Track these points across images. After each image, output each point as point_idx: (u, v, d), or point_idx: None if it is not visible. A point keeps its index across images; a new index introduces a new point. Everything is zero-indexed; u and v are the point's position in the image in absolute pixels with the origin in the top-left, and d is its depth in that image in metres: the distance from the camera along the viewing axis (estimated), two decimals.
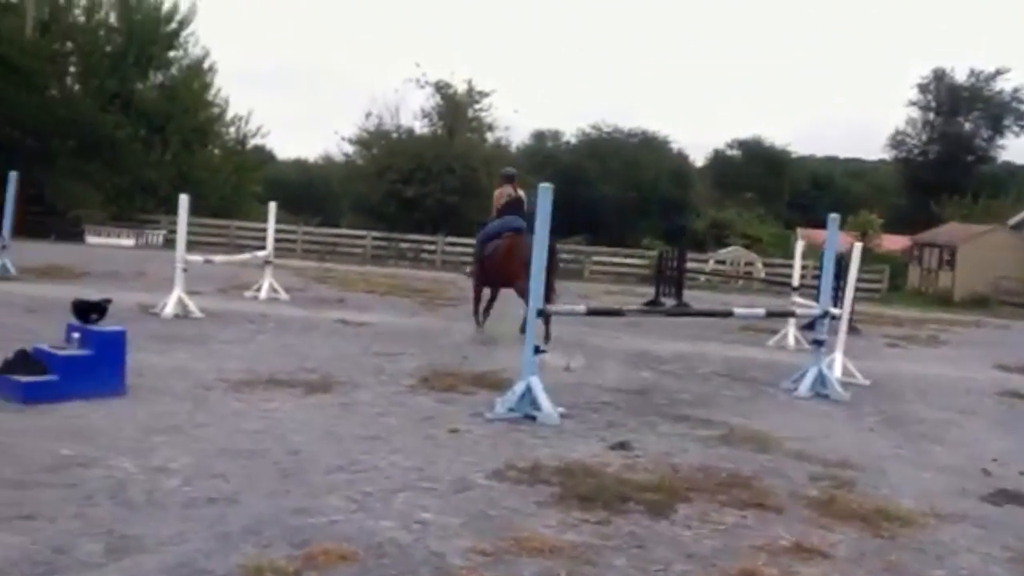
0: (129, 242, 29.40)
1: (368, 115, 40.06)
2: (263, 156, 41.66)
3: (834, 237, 10.05)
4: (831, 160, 70.16)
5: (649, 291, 21.31)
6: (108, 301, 7.66)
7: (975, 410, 9.62)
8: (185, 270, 12.33)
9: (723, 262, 34.44)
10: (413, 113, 41.00)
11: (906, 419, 8.68)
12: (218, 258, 15.60)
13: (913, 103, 57.52)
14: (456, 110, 40.13)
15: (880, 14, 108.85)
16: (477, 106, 40.76)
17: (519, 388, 7.28)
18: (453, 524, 4.68)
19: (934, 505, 5.65)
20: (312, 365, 8.95)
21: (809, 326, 12.37)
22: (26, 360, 6.89)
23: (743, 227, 43.31)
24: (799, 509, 5.36)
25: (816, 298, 10.48)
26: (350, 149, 41.73)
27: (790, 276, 16.79)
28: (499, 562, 4.22)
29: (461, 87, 40.22)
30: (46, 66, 31.05)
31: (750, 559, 4.47)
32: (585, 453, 6.25)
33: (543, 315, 8.38)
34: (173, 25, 34.31)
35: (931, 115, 57.33)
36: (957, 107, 56.41)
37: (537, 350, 7.39)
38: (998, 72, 54.76)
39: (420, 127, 40.76)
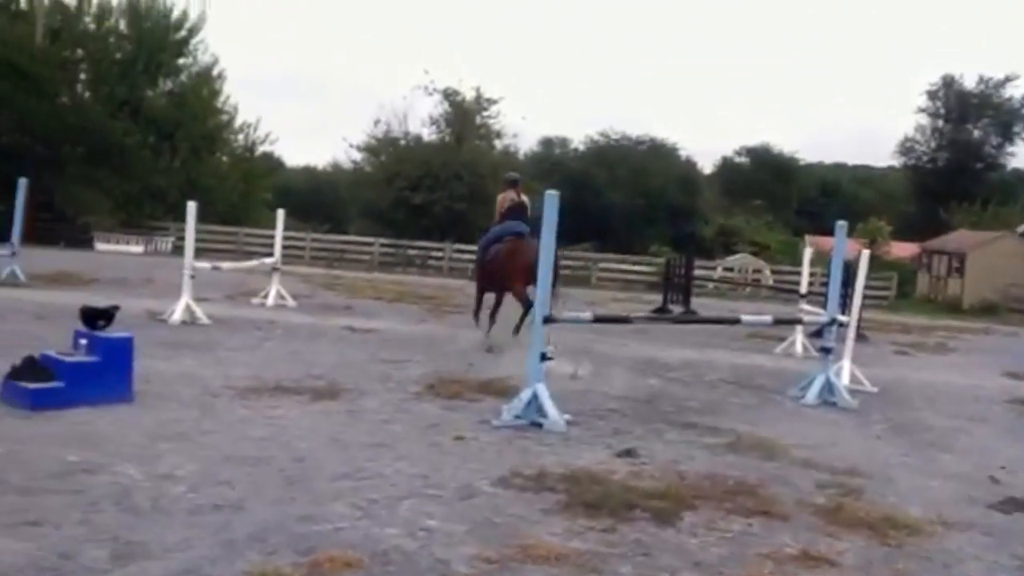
0: (138, 249, 29.50)
1: (376, 122, 40.20)
2: (272, 163, 41.75)
3: (841, 244, 10.02)
4: (839, 167, 70.05)
5: (657, 298, 21.31)
6: (115, 308, 7.67)
7: (983, 418, 9.58)
8: (193, 277, 12.36)
9: (731, 269, 34.39)
10: (421, 120, 41.12)
11: (914, 427, 8.65)
12: (226, 265, 15.65)
13: (922, 110, 57.52)
14: (464, 117, 40.19)
15: (888, 21, 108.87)
16: (485, 113, 40.83)
17: (525, 395, 7.27)
18: (458, 531, 4.68)
19: (942, 513, 5.62)
20: (319, 372, 8.96)
21: (817, 333, 12.33)
22: (33, 366, 6.90)
23: (751, 234, 43.28)
24: (806, 517, 5.34)
25: (824, 305, 10.45)
26: (358, 156, 41.86)
27: (798, 283, 16.75)
28: (504, 570, 4.22)
29: (469, 94, 40.34)
30: (56, 73, 31.20)
31: (756, 567, 4.46)
32: (591, 460, 6.24)
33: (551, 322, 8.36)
34: (182, 33, 34.46)
35: (940, 122, 57.24)
36: (966, 114, 56.31)
37: (543, 357, 7.38)
38: (1007, 79, 54.72)
39: (428, 134, 40.88)
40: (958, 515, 5.64)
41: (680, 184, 58.96)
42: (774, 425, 8.03)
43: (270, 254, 15.91)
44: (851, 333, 11.00)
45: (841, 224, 9.86)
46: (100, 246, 29.30)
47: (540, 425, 7.12)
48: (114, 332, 7.39)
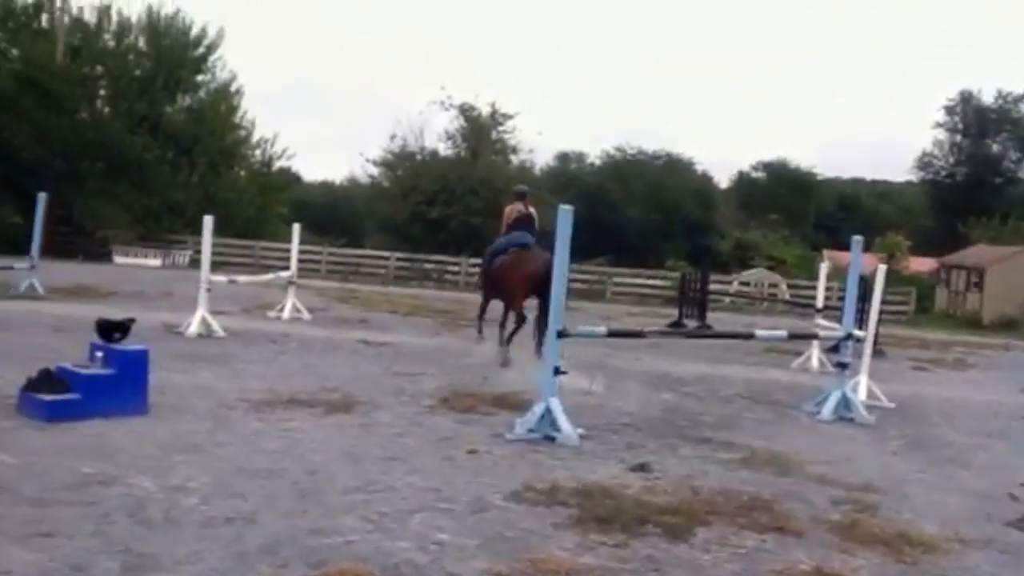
0: (156, 262, 29.69)
1: (393, 137, 40.37)
2: (289, 178, 41.97)
3: (857, 259, 9.97)
4: (857, 182, 69.77)
5: (672, 312, 21.24)
6: (131, 320, 7.71)
7: (1003, 434, 9.49)
8: (209, 290, 12.43)
9: (747, 284, 34.26)
10: (437, 135, 41.26)
11: (931, 443, 8.58)
12: (242, 278, 15.74)
13: (940, 125, 57.30)
14: (480, 132, 40.32)
15: (906, 35, 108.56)
16: (501, 128, 40.96)
17: (539, 409, 7.26)
18: (469, 545, 4.66)
19: (959, 530, 5.56)
20: (333, 385, 8.98)
21: (834, 348, 12.27)
22: (49, 378, 6.95)
23: (768, 249, 43.10)
24: (820, 533, 5.29)
25: (840, 320, 10.40)
26: (375, 171, 42.02)
27: (815, 298, 16.67)
28: None
29: (485, 109, 40.47)
30: (76, 90, 31.58)
31: None
32: (604, 475, 6.22)
33: (553, 334, 8.37)
34: (201, 49, 34.80)
35: (958, 137, 57.00)
36: (984, 129, 56.06)
37: (557, 371, 7.37)
38: None
39: (444, 149, 41.02)
40: (975, 532, 5.58)
41: (696, 198, 58.90)
42: (789, 440, 7.98)
43: (286, 268, 15.97)
44: (868, 348, 10.93)
45: (857, 239, 9.82)
46: (118, 259, 29.52)
47: (553, 439, 7.10)
48: (130, 345, 7.43)
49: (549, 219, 7.60)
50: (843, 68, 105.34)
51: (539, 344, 11.26)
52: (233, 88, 35.94)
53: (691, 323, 19.30)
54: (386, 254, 33.95)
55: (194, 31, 34.57)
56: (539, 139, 76.52)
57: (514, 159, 41.59)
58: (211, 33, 34.84)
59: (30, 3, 32.70)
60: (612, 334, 9.76)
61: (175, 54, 33.91)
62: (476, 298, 12.98)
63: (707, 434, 8.00)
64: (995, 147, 56.76)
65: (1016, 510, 6.20)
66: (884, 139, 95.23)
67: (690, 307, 20.37)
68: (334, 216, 52.47)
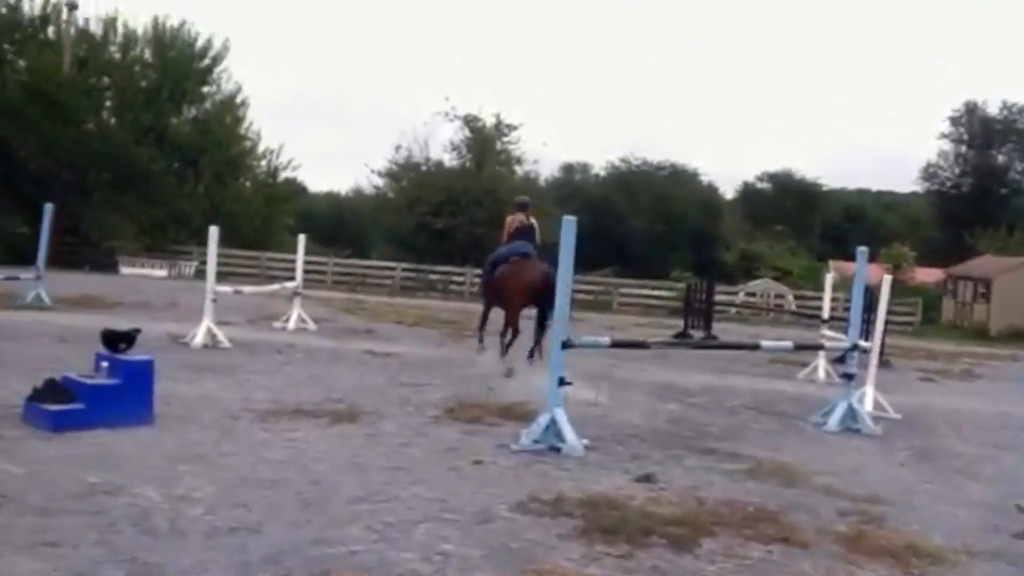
0: (162, 273, 29.76)
1: (398, 148, 40.47)
2: (295, 189, 42.11)
3: (863, 269, 9.95)
4: (863, 192, 69.80)
5: (678, 323, 21.21)
6: (137, 331, 7.73)
7: (1011, 445, 9.44)
8: (215, 300, 12.44)
9: (753, 294, 34.23)
10: (442, 146, 41.36)
11: (939, 454, 8.54)
12: (247, 289, 15.75)
13: (945, 136, 57.34)
14: (485, 143, 40.39)
15: (912, 46, 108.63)
16: (505, 139, 41.03)
17: (544, 420, 7.24)
18: (474, 556, 4.64)
19: (966, 542, 5.53)
20: (338, 395, 8.97)
21: (840, 359, 12.24)
22: (55, 389, 6.96)
23: (774, 259, 43.13)
24: (827, 544, 5.26)
25: (846, 331, 10.37)
26: (380, 182, 42.13)
27: (821, 309, 16.63)
28: None
29: (489, 120, 40.55)
30: (83, 101, 31.73)
31: None
32: (609, 486, 6.19)
33: (557, 345, 8.40)
34: (206, 61, 34.98)
35: (963, 148, 57.00)
36: (990, 140, 56.08)
37: (562, 382, 7.35)
38: None
39: (449, 160, 41.12)
40: (983, 544, 5.54)
41: (702, 209, 58.97)
42: (795, 451, 7.95)
43: (292, 278, 16.00)
44: (874, 359, 10.90)
45: (862, 249, 9.79)
46: (125, 270, 29.60)
47: (558, 450, 7.08)
48: (135, 355, 7.44)
49: (553, 230, 7.60)
50: (848, 78, 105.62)
51: (531, 352, 11.57)
52: (239, 99, 36.17)
53: (697, 334, 19.27)
54: (392, 265, 34.01)
55: (200, 43, 34.80)
56: (544, 150, 76.66)
57: (519, 170, 41.67)
58: (216, 45, 35.09)
59: (37, 15, 32.93)
60: (616, 345, 9.74)
61: (181, 66, 34.08)
62: (482, 308, 13.01)
63: (712, 445, 7.97)
64: (1000, 158, 56.78)
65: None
66: (889, 150, 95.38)
67: (696, 318, 20.34)
68: (340, 227, 52.63)
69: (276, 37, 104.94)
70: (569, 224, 7.44)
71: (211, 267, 12.84)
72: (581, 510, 5.49)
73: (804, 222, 58.04)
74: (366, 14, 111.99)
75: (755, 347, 11.16)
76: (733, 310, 28.76)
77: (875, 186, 72.00)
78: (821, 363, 13.67)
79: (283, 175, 37.67)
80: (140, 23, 34.41)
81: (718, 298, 23.76)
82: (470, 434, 7.64)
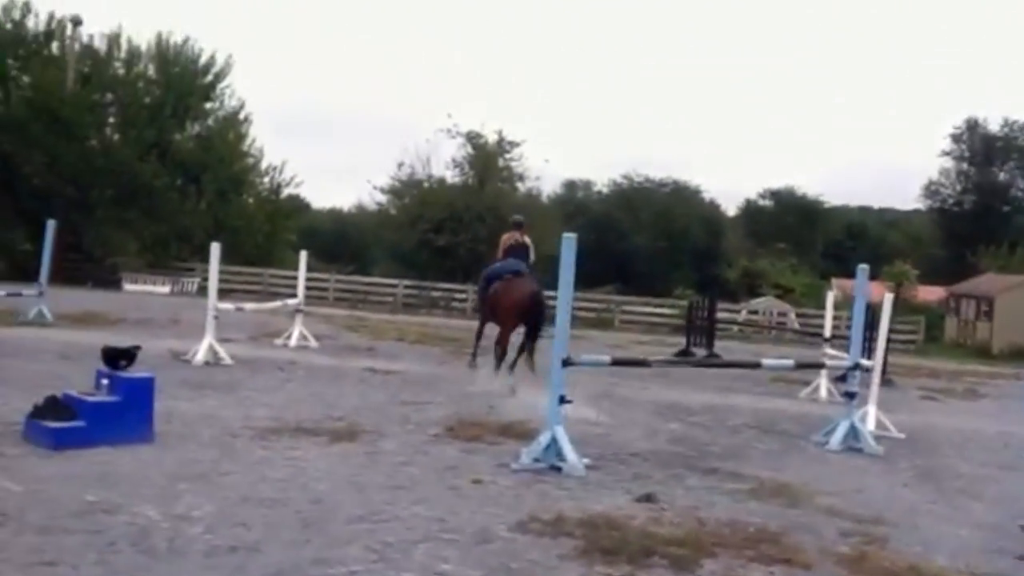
0: (164, 290, 29.76)
1: (400, 165, 40.49)
2: (298, 205, 42.15)
3: (863, 287, 9.94)
4: (865, 210, 69.86)
5: (681, 341, 21.17)
6: (137, 348, 7.72)
7: (1014, 465, 9.41)
8: (216, 317, 12.45)
9: (755, 312, 34.20)
10: (445, 163, 41.33)
11: (942, 474, 8.50)
12: (249, 306, 15.75)
13: (946, 153, 57.39)
14: (487, 160, 40.43)
15: (913, 63, 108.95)
16: (508, 156, 41.06)
17: (544, 438, 7.22)
18: None
19: (970, 563, 5.50)
20: (339, 413, 8.96)
21: (842, 378, 12.22)
22: (55, 406, 6.95)
23: (776, 277, 43.12)
24: (829, 566, 5.24)
25: (848, 349, 10.35)
26: (383, 198, 42.15)
27: (823, 327, 16.61)
28: None
29: (492, 137, 40.61)
30: (86, 117, 31.83)
31: None
32: (610, 505, 6.17)
33: (558, 363, 8.42)
34: (210, 77, 35.05)
35: (965, 165, 57.08)
36: (991, 157, 56.14)
37: (562, 400, 7.34)
38: None
39: (451, 176, 41.11)
40: (986, 566, 5.52)
41: (704, 227, 59.05)
42: (797, 471, 7.92)
43: (295, 295, 16.01)
44: (875, 378, 10.88)
45: (863, 267, 9.79)
46: (127, 287, 29.59)
47: (559, 469, 7.06)
48: (136, 372, 7.43)
49: (555, 247, 7.60)
50: (850, 96, 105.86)
51: (513, 363, 11.84)
52: (242, 116, 36.20)
53: (699, 352, 19.23)
54: (394, 282, 34.01)
55: (203, 59, 34.86)
56: (546, 167, 76.68)
57: (521, 187, 41.68)
58: (220, 61, 35.15)
59: (41, 31, 33.07)
60: (617, 363, 9.73)
61: (184, 82, 34.18)
62: (490, 328, 13.06)
63: (714, 464, 7.94)
64: (1002, 175, 56.80)
65: None
66: (891, 167, 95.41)
67: (698, 336, 20.31)
68: (343, 243, 52.73)
69: (279, 54, 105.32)
70: (569, 241, 7.44)
71: (213, 284, 12.85)
72: (581, 530, 5.47)
73: (806, 239, 58.10)
74: (369, 31, 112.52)
75: (756, 365, 11.16)
76: (735, 328, 28.73)
77: (877, 203, 72.17)
78: (823, 382, 13.63)
79: (286, 191, 37.75)
80: (144, 39, 34.48)
81: (720, 316, 23.74)
82: (470, 452, 7.62)
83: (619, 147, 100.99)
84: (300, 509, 5.59)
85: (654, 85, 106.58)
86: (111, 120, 34.11)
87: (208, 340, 12.17)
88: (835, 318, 15.36)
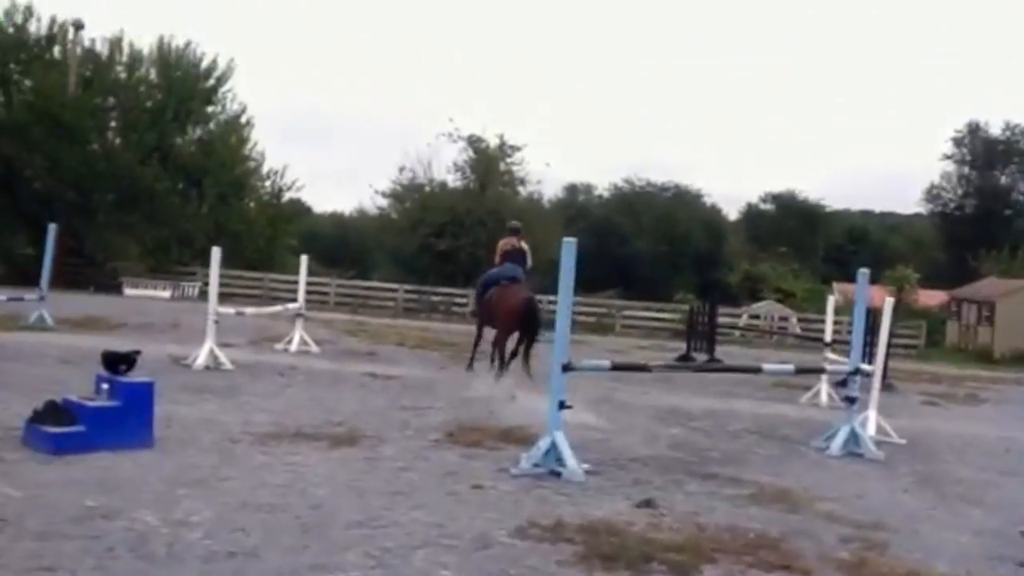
0: (165, 294, 29.76)
1: (402, 169, 40.48)
2: (299, 209, 42.14)
3: (864, 291, 9.93)
4: (866, 214, 69.80)
5: (682, 346, 21.16)
6: (137, 353, 7.73)
7: (1015, 471, 9.39)
8: (217, 322, 12.45)
9: (757, 317, 34.16)
10: (446, 167, 41.32)
11: (942, 479, 8.49)
12: (249, 310, 15.74)
13: (948, 156, 57.33)
14: (488, 164, 40.43)
15: (914, 67, 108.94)
16: (509, 160, 41.06)
17: (544, 443, 7.22)
18: None
19: (970, 570, 5.50)
20: (339, 418, 8.95)
21: (843, 383, 12.21)
22: (55, 411, 6.95)
23: (777, 281, 43.04)
24: (829, 572, 5.23)
25: (849, 354, 10.34)
26: (384, 202, 42.14)
27: (824, 331, 16.59)
28: None
29: (493, 141, 40.61)
30: (88, 121, 31.82)
31: None
32: (609, 511, 6.16)
33: (558, 368, 8.43)
34: (211, 81, 35.05)
35: (966, 169, 57.04)
36: (993, 160, 56.09)
37: (562, 405, 7.33)
38: None
39: (453, 181, 41.09)
40: (986, 572, 5.52)
41: (705, 231, 59.01)
42: (798, 477, 7.91)
43: (295, 299, 16.01)
44: (876, 383, 10.86)
45: (863, 271, 9.78)
46: (128, 291, 29.59)
47: (559, 474, 7.05)
48: (136, 377, 7.43)
49: (556, 251, 7.61)
50: (851, 99, 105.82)
51: (501, 366, 12.11)
52: (243, 119, 36.21)
53: (700, 356, 19.22)
54: (395, 286, 33.98)
55: (205, 63, 34.84)
56: (547, 170, 76.63)
57: (522, 191, 41.66)
58: (221, 64, 35.13)
59: (43, 35, 33.10)
60: (617, 367, 9.73)
61: (186, 85, 34.19)
62: (488, 332, 13.12)
63: (714, 470, 7.94)
64: (1004, 179, 56.76)
65: None
66: (893, 170, 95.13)
67: (699, 340, 20.29)
68: (344, 247, 52.69)
69: (281, 58, 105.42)
70: (569, 246, 7.44)
71: (213, 288, 12.86)
72: (581, 536, 5.46)
73: (807, 243, 58.06)
74: (370, 35, 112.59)
75: (756, 370, 11.14)
76: (737, 333, 28.71)
77: (878, 207, 72.06)
78: (824, 387, 13.62)
79: (287, 195, 37.75)
80: (146, 43, 34.47)
81: (721, 320, 23.73)
82: (470, 458, 7.62)
83: (620, 151, 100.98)
84: (299, 514, 5.59)
85: (656, 89, 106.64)
86: (112, 124, 34.11)
87: (208, 345, 12.18)
88: (836, 323, 15.35)
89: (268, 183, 37.09)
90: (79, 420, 6.88)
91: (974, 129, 56.30)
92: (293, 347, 15.00)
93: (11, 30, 32.50)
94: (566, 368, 7.36)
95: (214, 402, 9.42)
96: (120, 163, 31.56)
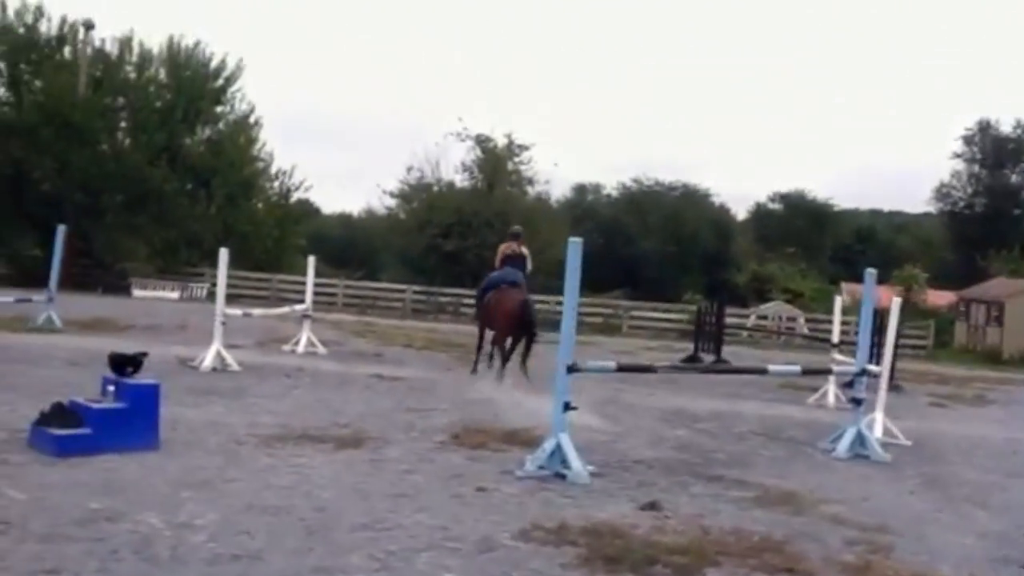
0: (174, 295, 29.82)
1: (410, 169, 40.48)
2: (307, 210, 42.19)
3: (871, 292, 9.90)
4: (875, 213, 69.57)
5: (689, 347, 21.11)
6: (143, 354, 7.75)
7: (1020, 473, 9.36)
8: (224, 323, 12.47)
9: (765, 317, 34.08)
10: (454, 167, 41.32)
11: (949, 481, 8.46)
12: (256, 311, 15.76)
13: (958, 155, 57.03)
14: (496, 164, 40.42)
15: (924, 65, 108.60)
16: (517, 159, 41.04)
17: (549, 445, 7.22)
18: None
19: (975, 572, 5.49)
20: (345, 420, 8.97)
21: (850, 384, 12.17)
22: (61, 413, 6.97)
23: (785, 281, 42.92)
24: (833, 575, 5.22)
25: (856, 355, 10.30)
26: (392, 203, 42.15)
27: (831, 332, 16.53)
28: None
29: (501, 141, 40.59)
30: (97, 121, 31.89)
31: None
32: (614, 513, 6.16)
33: (563, 369, 8.44)
34: (220, 81, 35.10)
35: (976, 167, 56.74)
36: (1003, 159, 55.80)
37: (567, 407, 7.33)
38: None
39: (460, 181, 41.09)
40: (991, 575, 5.48)
41: (713, 231, 58.87)
42: (803, 479, 7.89)
43: (303, 301, 16.03)
44: (883, 384, 10.83)
45: (871, 271, 9.76)
46: (137, 292, 29.67)
47: (564, 476, 7.05)
48: (142, 379, 7.46)
49: (563, 252, 7.60)
50: (860, 98, 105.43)
51: (495, 365, 12.40)
52: (252, 120, 36.26)
53: (708, 357, 19.17)
54: (402, 287, 33.97)
55: (214, 63, 34.89)
56: (555, 170, 76.60)
57: (530, 190, 41.65)
58: (231, 64, 35.18)
59: (53, 35, 33.20)
60: (623, 369, 9.72)
61: (195, 85, 34.24)
62: (489, 333, 13.19)
63: (720, 472, 7.92)
64: (1014, 178, 56.45)
65: None
66: (902, 170, 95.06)
67: (706, 341, 20.23)
68: (352, 248, 52.73)
69: (289, 58, 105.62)
70: (575, 246, 7.44)
71: (221, 289, 12.89)
72: (585, 539, 5.46)
73: (815, 243, 57.89)
74: (378, 35, 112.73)
75: (762, 372, 11.12)
76: (744, 333, 28.64)
77: (887, 207, 71.81)
78: (831, 388, 13.58)
79: (295, 196, 37.80)
80: (155, 43, 34.54)
81: (729, 321, 23.62)
82: (475, 460, 7.62)
83: (628, 150, 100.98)
84: (304, 517, 5.60)
85: (664, 88, 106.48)
86: (122, 124, 34.16)
87: (216, 346, 12.20)
88: (844, 323, 15.30)
89: (276, 184, 37.17)
90: (85, 422, 6.90)
91: (984, 127, 56.01)
92: (300, 348, 15.03)
93: (21, 30, 32.61)
94: (571, 369, 7.35)
95: (220, 404, 9.44)
96: (129, 164, 31.64)
